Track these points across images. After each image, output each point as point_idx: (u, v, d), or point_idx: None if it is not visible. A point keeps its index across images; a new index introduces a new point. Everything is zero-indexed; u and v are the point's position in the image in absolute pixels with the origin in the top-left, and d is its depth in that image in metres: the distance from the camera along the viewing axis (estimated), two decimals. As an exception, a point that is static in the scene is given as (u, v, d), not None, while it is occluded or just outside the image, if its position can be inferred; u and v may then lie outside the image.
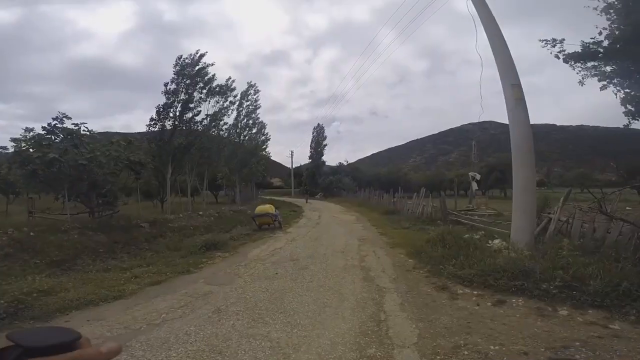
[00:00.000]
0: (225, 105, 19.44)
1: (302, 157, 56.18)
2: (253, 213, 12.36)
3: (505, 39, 6.83)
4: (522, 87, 6.59)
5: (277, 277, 5.66)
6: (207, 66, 17.45)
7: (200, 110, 17.31)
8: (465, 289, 4.99)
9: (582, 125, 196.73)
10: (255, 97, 25.37)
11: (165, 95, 16.25)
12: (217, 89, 18.84)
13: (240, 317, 3.95)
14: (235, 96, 20.36)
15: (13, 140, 13.19)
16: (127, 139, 12.25)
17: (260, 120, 27.25)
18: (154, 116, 15.84)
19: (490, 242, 7.56)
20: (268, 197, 45.54)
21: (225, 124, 20.16)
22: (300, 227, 12.63)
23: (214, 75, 17.88)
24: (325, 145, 53.51)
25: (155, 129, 15.67)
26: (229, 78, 20.14)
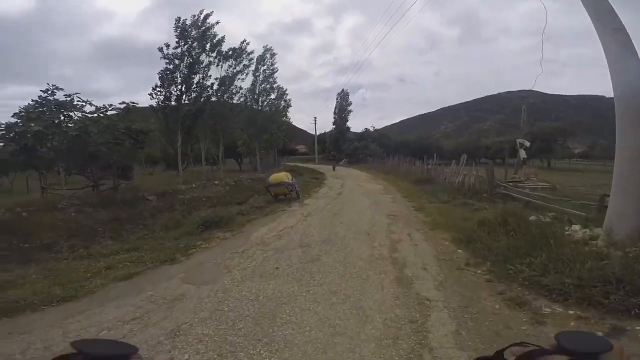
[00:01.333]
0: (238, 69, 17.68)
1: (328, 125, 53.64)
2: (267, 182, 10.96)
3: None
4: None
5: (276, 275, 4.20)
6: (212, 26, 15.53)
7: (210, 75, 15.72)
8: (555, 306, 3.30)
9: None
10: (272, 60, 23.28)
11: (165, 59, 14.70)
12: (229, 53, 17.09)
13: (202, 350, 2.55)
14: (250, 59, 18.45)
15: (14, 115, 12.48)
16: (127, 107, 10.97)
17: (279, 85, 25.33)
18: (158, 82, 14.45)
19: (567, 228, 5.66)
20: (292, 164, 44.37)
21: (241, 88, 18.52)
22: (319, 198, 11.13)
23: (223, 37, 15.97)
24: (350, 111, 50.54)
25: (161, 97, 14.33)
26: (244, 41, 18.20)
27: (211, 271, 4.54)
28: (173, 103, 14.41)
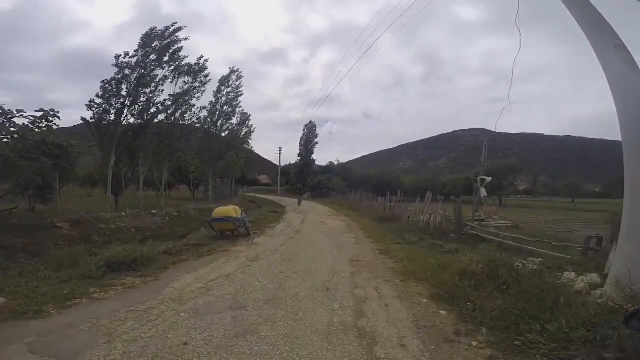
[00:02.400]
0: (195, 86, 16.35)
1: (294, 157, 53.03)
2: (211, 216, 9.33)
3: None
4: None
5: (178, 358, 2.74)
6: (179, 40, 14.38)
7: (162, 90, 14.20)
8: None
9: (569, 135, 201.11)
10: (237, 83, 22.33)
11: (117, 68, 13.06)
12: (185, 69, 15.84)
13: None
14: (206, 76, 17.28)
15: None
16: (44, 115, 9.02)
17: (242, 110, 24.26)
18: (99, 92, 12.60)
19: (559, 275, 4.86)
20: (251, 195, 42.40)
21: (198, 108, 17.05)
22: (274, 237, 9.66)
23: (180, 47, 14.77)
24: (317, 143, 50.82)
25: (99, 110, 12.41)
26: (201, 57, 17.12)
27: (82, 338, 3.06)
28: (112, 117, 12.50)
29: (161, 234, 11.70)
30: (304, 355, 2.91)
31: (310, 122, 51.65)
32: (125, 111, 12.77)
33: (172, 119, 15.30)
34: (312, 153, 50.21)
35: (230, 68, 22.47)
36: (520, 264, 4.93)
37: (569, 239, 9.11)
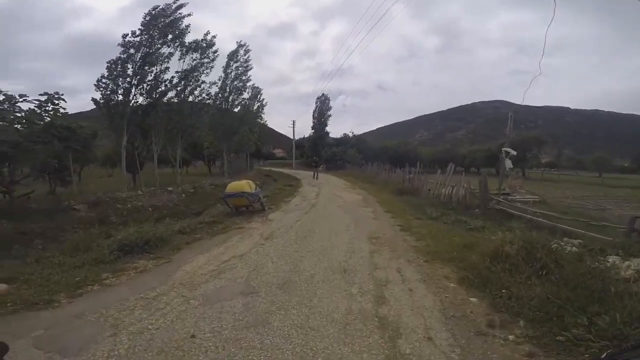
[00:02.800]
0: (203, 62, 15.77)
1: (308, 131, 52.15)
2: (224, 192, 9.11)
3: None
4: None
5: (183, 354, 2.50)
6: (184, 17, 13.65)
7: (168, 67, 13.72)
8: None
9: (597, 109, 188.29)
10: (246, 57, 21.46)
11: (122, 48, 12.60)
12: (192, 45, 15.22)
13: None
14: (215, 52, 16.57)
15: None
16: (50, 98, 8.78)
17: (253, 84, 23.53)
18: (105, 73, 12.27)
19: (602, 260, 4.32)
20: (267, 169, 42.46)
21: (208, 84, 16.53)
22: (289, 212, 9.40)
23: (188, 26, 14.08)
24: (330, 115, 49.52)
25: (107, 90, 12.14)
26: (207, 32, 16.35)
27: (88, 329, 2.90)
28: (120, 97, 12.26)
29: (177, 211, 11.68)
30: (319, 350, 2.61)
31: (323, 94, 50.17)
32: (133, 90, 12.48)
33: (182, 96, 14.94)
34: (326, 125, 49.19)
35: (237, 42, 21.58)
36: (558, 246, 4.43)
37: (604, 218, 8.41)
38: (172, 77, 14.12)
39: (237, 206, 9.06)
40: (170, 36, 14.02)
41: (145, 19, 12.77)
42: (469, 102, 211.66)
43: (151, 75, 13.08)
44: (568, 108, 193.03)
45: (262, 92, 27.33)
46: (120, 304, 3.45)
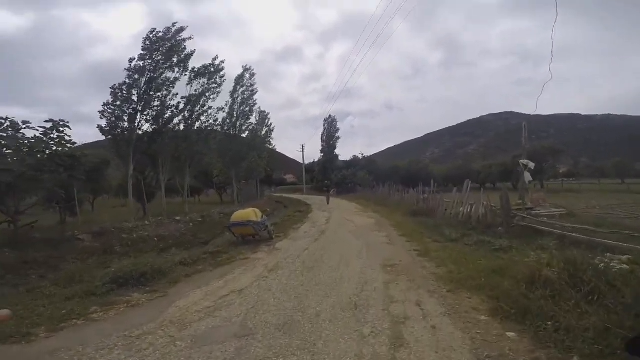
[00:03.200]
0: (210, 87, 16.06)
1: (317, 154, 52.31)
2: (230, 221, 8.76)
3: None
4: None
5: None
6: (184, 40, 14.08)
7: (177, 93, 13.97)
8: None
9: (609, 114, 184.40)
10: (251, 81, 21.94)
11: (128, 73, 12.93)
12: (201, 70, 15.60)
13: None
14: (222, 77, 16.94)
15: None
16: (54, 126, 8.87)
17: (259, 108, 23.86)
18: (110, 99, 12.54)
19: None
20: (277, 195, 42.31)
21: (214, 110, 16.74)
22: (297, 240, 8.91)
23: (193, 51, 14.47)
24: (338, 137, 49.63)
25: (113, 117, 12.32)
26: (216, 57, 16.80)
27: None
28: (125, 124, 12.39)
29: (184, 241, 11.46)
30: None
31: (330, 116, 50.61)
32: (139, 117, 12.63)
33: (189, 122, 15.10)
34: (335, 148, 49.19)
35: (243, 67, 22.15)
36: (603, 264, 3.80)
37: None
38: (179, 102, 14.32)
39: (243, 235, 8.67)
40: (174, 60, 14.36)
41: (145, 43, 13.12)
42: (477, 116, 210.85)
43: (157, 101, 13.25)
44: (579, 114, 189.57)
45: (269, 116, 27.72)
46: (101, 341, 3.12)
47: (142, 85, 12.75)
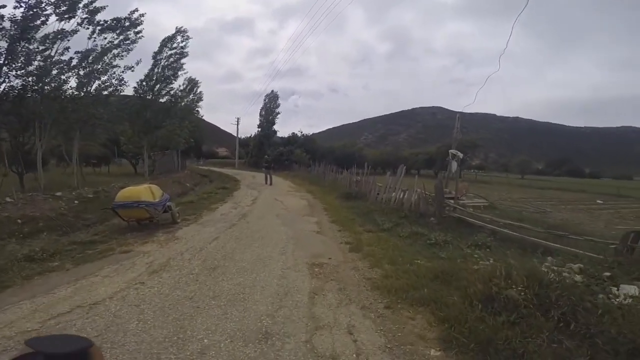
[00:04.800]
0: (116, 42, 12.82)
1: (255, 129, 49.16)
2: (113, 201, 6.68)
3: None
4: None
5: None
6: None
7: (62, 45, 10.67)
8: None
9: (518, 117, 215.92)
10: (183, 44, 18.53)
11: None
12: (110, 24, 12.30)
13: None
14: (137, 32, 13.64)
15: None
16: None
17: (188, 74, 20.54)
18: None
19: (608, 290, 3.24)
20: (206, 168, 38.72)
21: (122, 69, 13.40)
22: (208, 224, 7.31)
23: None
24: (278, 113, 47.27)
25: None
26: (135, 10, 13.44)
27: None
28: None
29: (62, 223, 8.90)
30: None
31: (272, 91, 47.79)
32: (5, 69, 9.20)
33: (84, 80, 11.79)
34: (274, 124, 46.86)
35: (176, 27, 18.48)
36: (554, 274, 3.25)
37: (569, 225, 7.98)
38: (71, 58, 11.03)
39: (137, 219, 6.73)
40: (63, 8, 10.90)
41: None
42: (410, 108, 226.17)
43: (38, 55, 9.90)
44: (494, 115, 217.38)
45: (199, 83, 24.27)
46: None
47: (13, 33, 9.24)
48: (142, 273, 4.08)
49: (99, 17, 11.95)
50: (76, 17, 11.22)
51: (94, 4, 11.47)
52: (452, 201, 9.05)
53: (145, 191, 6.49)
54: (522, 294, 2.71)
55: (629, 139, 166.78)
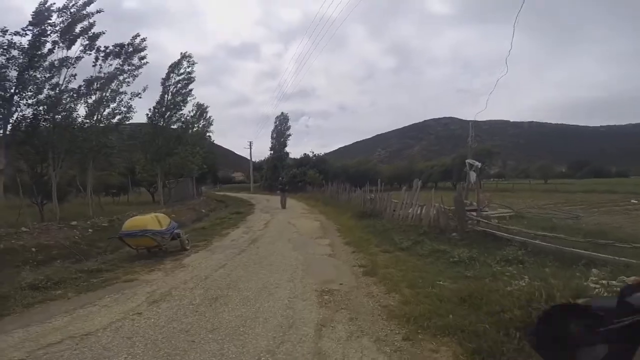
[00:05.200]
0: (124, 70, 13.37)
1: (267, 152, 50.04)
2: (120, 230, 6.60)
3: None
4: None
5: None
6: (88, 15, 11.40)
7: (69, 72, 11.21)
8: None
9: (532, 121, 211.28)
10: (189, 69, 19.21)
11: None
12: (113, 50, 12.92)
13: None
14: (142, 58, 14.22)
15: None
16: None
17: (195, 99, 21.15)
18: None
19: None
20: (221, 194, 39.16)
21: (128, 96, 13.86)
22: (217, 250, 7.07)
23: (93, 23, 11.78)
24: (289, 135, 47.83)
25: None
26: (136, 35, 14.12)
27: None
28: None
29: (76, 251, 8.98)
30: None
31: (282, 113, 48.71)
32: (16, 99, 9.64)
33: (92, 108, 12.23)
34: (285, 146, 47.32)
35: (181, 53, 19.23)
36: (607, 291, 2.75)
37: (602, 231, 7.23)
38: (80, 86, 11.48)
39: (147, 247, 6.60)
40: (76, 30, 11.51)
41: (34, 18, 10.18)
42: (421, 120, 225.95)
43: (46, 84, 10.36)
44: (508, 121, 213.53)
45: (208, 109, 24.94)
46: None
47: (23, 63, 9.76)
48: (141, 303, 3.86)
49: (103, 43, 12.41)
50: (76, 42, 11.67)
51: (92, 30, 11.89)
52: (474, 213, 8.49)
53: (151, 220, 6.38)
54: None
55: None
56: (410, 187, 11.18)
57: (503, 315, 2.62)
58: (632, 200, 18.07)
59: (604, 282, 3.00)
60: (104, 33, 12.10)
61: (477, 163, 13.82)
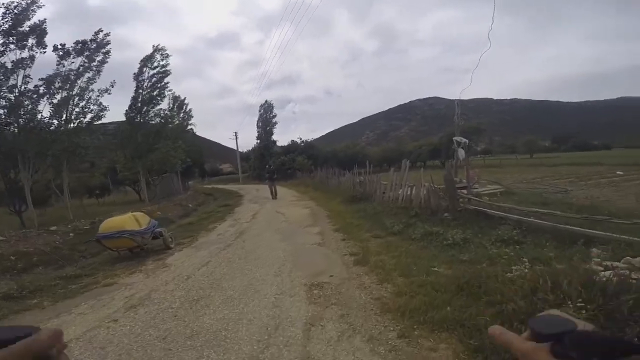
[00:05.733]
0: (89, 67, 12.54)
1: (254, 141, 48.99)
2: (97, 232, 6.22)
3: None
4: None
5: None
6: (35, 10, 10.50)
7: (24, 73, 10.42)
8: None
9: (515, 98, 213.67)
10: (163, 62, 18.24)
11: None
12: (75, 47, 12.07)
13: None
14: (106, 53, 13.33)
15: None
16: None
17: (171, 92, 20.25)
18: None
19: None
20: (210, 186, 38.43)
21: (96, 92, 13.03)
22: (202, 247, 6.75)
23: (43, 21, 10.90)
24: (275, 123, 46.95)
25: None
26: (99, 30, 13.18)
27: None
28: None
29: (57, 256, 8.54)
30: None
31: (266, 101, 47.67)
32: None
33: (59, 109, 11.41)
34: (272, 134, 46.54)
35: (153, 46, 18.15)
36: (614, 275, 2.57)
37: (596, 205, 7.20)
38: (36, 86, 10.67)
39: (126, 248, 6.25)
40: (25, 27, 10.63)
41: None
42: (407, 101, 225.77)
43: (4, 88, 9.62)
44: (492, 99, 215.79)
45: (187, 101, 23.97)
46: None
47: None
48: (118, 309, 3.61)
49: (69, 42, 11.59)
50: (28, 41, 10.79)
51: (41, 27, 10.98)
52: (464, 191, 8.35)
53: (129, 220, 5.99)
54: (584, 311, 2.04)
55: (630, 107, 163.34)
56: (399, 168, 10.99)
57: (505, 306, 2.42)
58: (618, 172, 18.36)
59: (608, 264, 2.82)
60: (46, 30, 11.07)
61: (464, 140, 13.61)
